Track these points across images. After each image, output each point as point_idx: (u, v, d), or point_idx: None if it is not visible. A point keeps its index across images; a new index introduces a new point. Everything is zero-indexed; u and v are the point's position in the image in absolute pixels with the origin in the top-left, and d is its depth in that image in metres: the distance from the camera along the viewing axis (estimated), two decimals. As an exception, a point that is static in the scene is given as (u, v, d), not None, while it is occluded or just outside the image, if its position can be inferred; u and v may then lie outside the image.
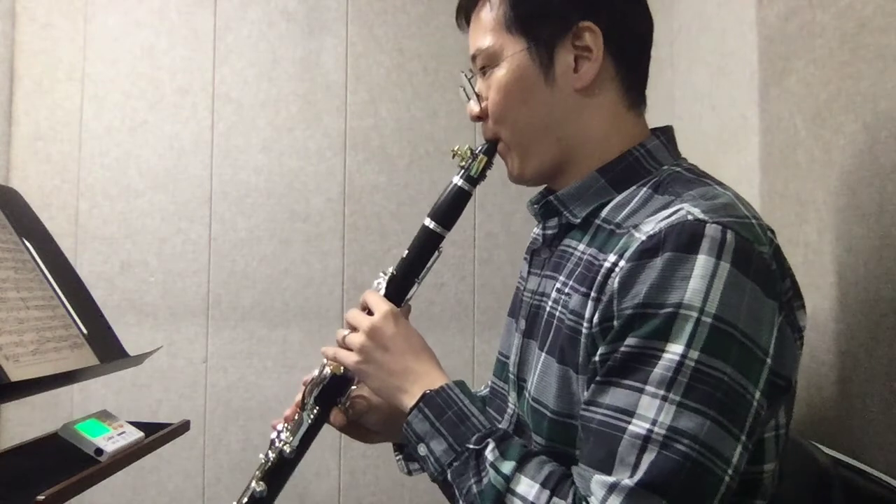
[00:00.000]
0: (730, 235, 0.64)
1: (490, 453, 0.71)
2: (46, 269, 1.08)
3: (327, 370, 0.92)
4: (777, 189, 1.12)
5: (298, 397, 0.95)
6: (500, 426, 0.79)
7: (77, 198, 2.05)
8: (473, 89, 0.86)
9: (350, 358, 0.86)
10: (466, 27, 0.87)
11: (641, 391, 0.63)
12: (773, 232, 0.71)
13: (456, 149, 0.88)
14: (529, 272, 0.90)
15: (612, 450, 0.63)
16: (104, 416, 1.06)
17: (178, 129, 2.07)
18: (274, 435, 0.94)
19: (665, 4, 1.59)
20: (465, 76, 0.87)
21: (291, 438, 0.92)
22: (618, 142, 0.81)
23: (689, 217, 0.66)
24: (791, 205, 1.07)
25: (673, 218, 0.66)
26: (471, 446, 0.73)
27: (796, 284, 0.73)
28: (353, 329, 0.87)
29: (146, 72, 2.07)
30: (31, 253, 1.07)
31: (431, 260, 0.89)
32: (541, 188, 0.90)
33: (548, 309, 0.79)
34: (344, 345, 0.88)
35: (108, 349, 1.09)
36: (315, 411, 0.92)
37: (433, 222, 0.88)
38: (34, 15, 2.06)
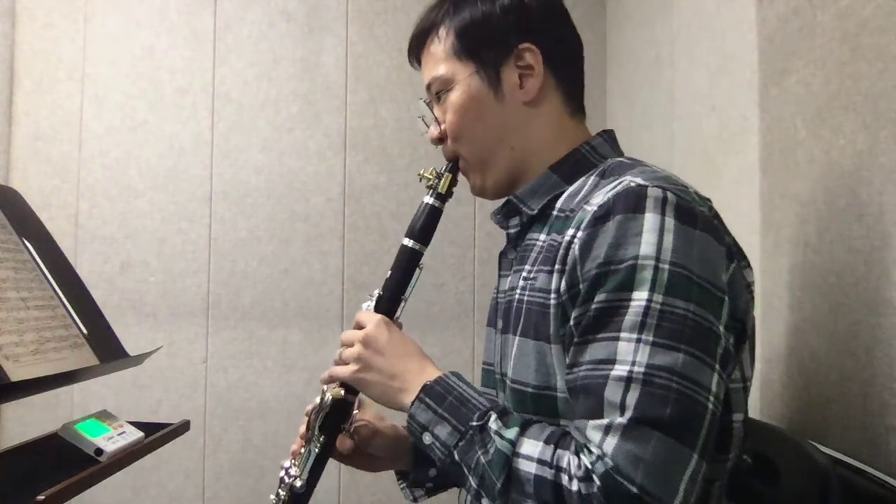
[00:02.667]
0: (670, 195, 0.72)
1: (493, 424, 0.74)
2: (46, 269, 1.08)
3: (328, 397, 0.92)
4: (777, 189, 1.12)
5: (302, 429, 0.96)
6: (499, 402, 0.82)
7: (77, 198, 2.05)
8: (433, 115, 0.93)
9: (348, 370, 0.88)
10: (418, 66, 0.96)
11: (617, 339, 0.68)
12: (710, 201, 0.79)
13: (422, 172, 0.95)
14: (500, 276, 0.96)
15: (599, 397, 0.67)
16: (104, 416, 1.06)
17: (178, 129, 2.07)
18: (282, 473, 0.94)
19: (665, 4, 1.59)
20: (424, 103, 0.95)
21: (300, 472, 0.92)
22: (564, 145, 0.89)
23: (633, 184, 0.73)
24: (791, 205, 1.07)
25: (619, 188, 0.74)
26: (474, 423, 0.75)
27: (738, 245, 0.79)
28: (348, 345, 0.89)
29: (146, 72, 2.07)
30: (31, 253, 1.07)
31: (414, 277, 0.94)
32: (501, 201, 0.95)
33: (517, 297, 0.84)
34: (341, 361, 0.90)
35: (108, 349, 1.09)
36: (321, 440, 0.93)
37: (411, 241, 0.93)
38: (34, 15, 2.06)
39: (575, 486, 0.66)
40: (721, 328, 0.70)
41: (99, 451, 0.95)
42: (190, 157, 2.07)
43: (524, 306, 0.81)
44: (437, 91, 0.91)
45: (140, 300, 2.04)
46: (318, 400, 0.93)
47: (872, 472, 0.82)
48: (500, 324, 0.89)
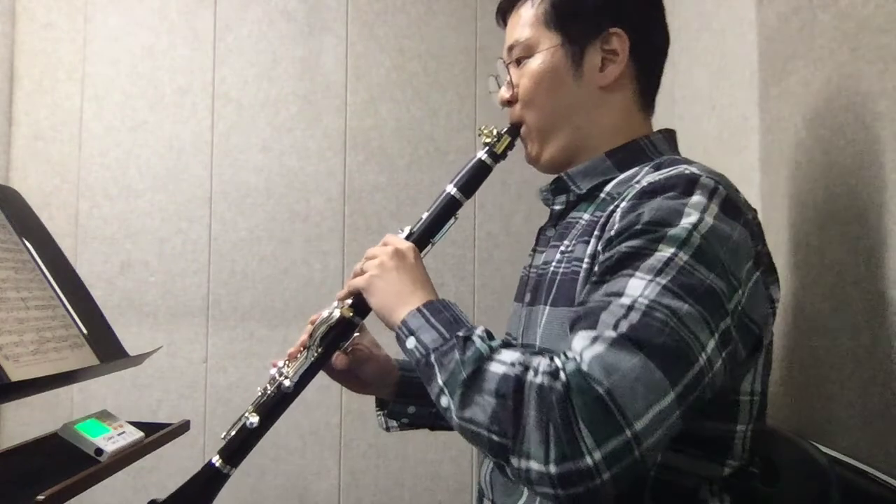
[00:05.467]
0: (721, 188, 0.73)
1: (479, 332, 0.73)
2: (46, 269, 1.08)
3: (336, 313, 0.93)
4: (777, 189, 1.12)
5: (304, 337, 0.96)
6: None
7: (77, 198, 2.05)
8: (508, 77, 0.93)
9: (365, 276, 0.88)
10: (503, 24, 0.96)
11: (631, 276, 0.68)
12: (755, 211, 0.79)
13: (482, 128, 0.94)
14: (535, 251, 0.97)
15: (597, 316, 0.66)
16: (104, 416, 1.06)
17: (178, 129, 2.07)
18: (273, 371, 0.96)
19: (665, 4, 1.59)
20: (502, 62, 0.95)
21: (291, 374, 0.93)
22: (625, 134, 0.89)
23: (687, 171, 0.74)
24: (791, 205, 1.06)
25: (672, 171, 0.74)
26: (460, 334, 0.73)
27: (771, 261, 0.79)
28: (373, 257, 0.89)
29: (146, 72, 2.07)
30: (31, 253, 1.07)
31: (448, 224, 0.94)
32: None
33: (551, 270, 0.84)
34: (360, 272, 0.90)
35: (108, 349, 1.09)
36: (319, 350, 0.94)
37: (455, 188, 0.93)
38: (34, 15, 2.06)
39: (538, 380, 0.63)
40: (730, 307, 0.68)
41: (99, 451, 0.95)
42: (190, 157, 2.06)
43: (558, 277, 0.82)
44: (519, 55, 0.91)
45: (140, 300, 2.04)
46: (325, 313, 0.94)
47: (873, 472, 0.82)
48: (528, 297, 0.90)
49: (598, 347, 0.63)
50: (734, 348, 0.70)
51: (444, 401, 0.71)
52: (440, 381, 0.71)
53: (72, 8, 2.07)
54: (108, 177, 2.05)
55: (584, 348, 0.63)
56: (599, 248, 0.75)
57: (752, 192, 1.18)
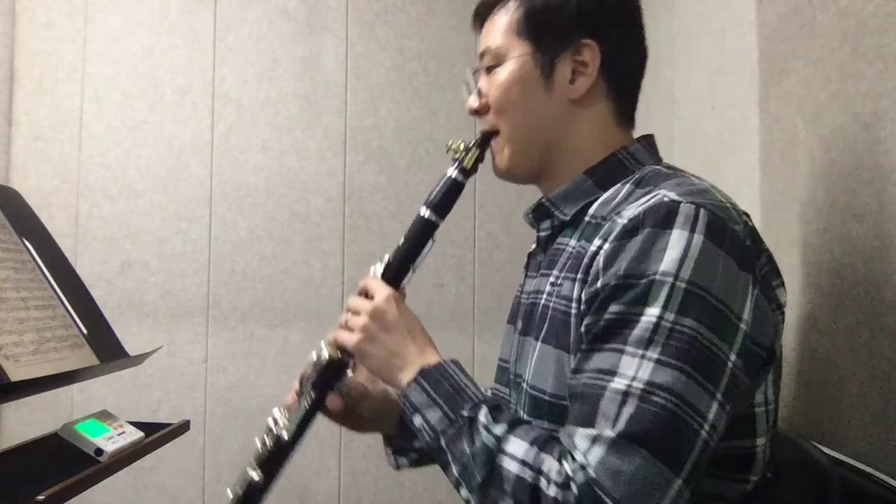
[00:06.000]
0: (703, 212, 0.70)
1: (483, 417, 0.74)
2: (46, 269, 1.08)
3: (325, 354, 0.93)
4: (777, 189, 1.12)
5: (296, 385, 0.96)
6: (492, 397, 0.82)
7: (77, 198, 2.05)
8: (476, 85, 0.91)
9: (352, 338, 0.88)
10: (479, 29, 0.93)
11: (622, 352, 0.67)
12: (748, 215, 0.76)
13: (449, 143, 0.92)
14: (526, 276, 0.96)
15: (595, 406, 0.66)
16: (104, 416, 1.06)
17: (178, 129, 2.07)
18: (271, 422, 0.95)
19: (665, 4, 1.59)
20: (471, 71, 0.93)
21: (288, 424, 0.92)
22: (602, 149, 0.86)
23: (665, 199, 0.71)
24: (791, 205, 1.06)
25: (651, 201, 0.72)
26: (465, 413, 0.75)
27: (773, 262, 0.77)
28: (355, 313, 0.89)
29: (146, 72, 2.07)
30: (31, 253, 1.07)
31: (427, 248, 0.93)
32: (535, 200, 0.93)
33: (542, 302, 0.83)
34: (346, 327, 0.90)
35: (108, 349, 1.09)
36: (312, 396, 0.93)
37: (428, 210, 0.91)
38: (34, 15, 2.06)
39: (552, 492, 0.65)
40: (732, 356, 0.68)
41: (99, 451, 0.95)
42: (190, 157, 2.07)
43: (549, 312, 0.81)
44: (489, 63, 0.89)
45: (140, 300, 2.04)
46: (314, 356, 0.94)
47: (873, 472, 0.82)
48: (520, 324, 0.89)
49: (601, 450, 0.64)
50: (741, 387, 0.70)
51: (464, 493, 0.74)
52: (455, 473, 0.74)
53: (72, 8, 2.07)
54: (108, 177, 2.05)
55: (587, 450, 0.65)
56: (584, 296, 0.74)
57: (752, 192, 1.18)
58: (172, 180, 2.06)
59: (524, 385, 0.82)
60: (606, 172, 0.85)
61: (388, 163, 2.08)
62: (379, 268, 0.93)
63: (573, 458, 0.66)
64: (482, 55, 0.90)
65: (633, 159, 0.85)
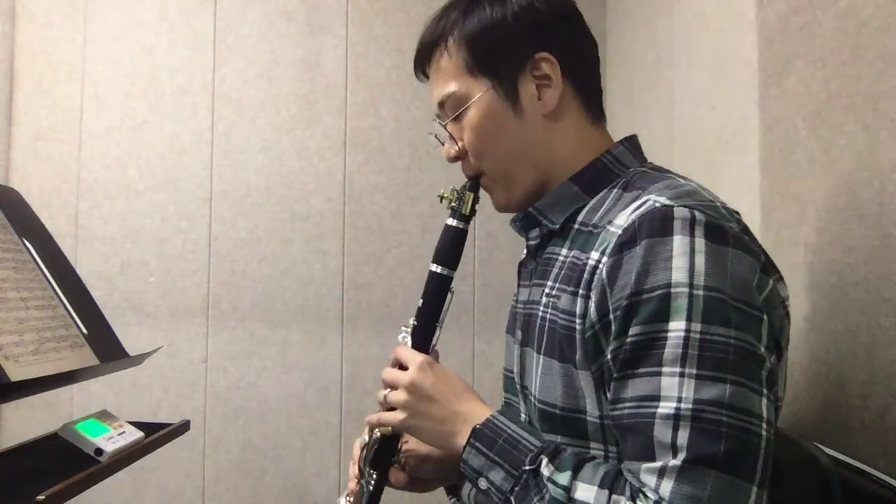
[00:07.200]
0: (698, 214, 0.69)
1: (545, 469, 0.72)
2: (46, 269, 1.08)
3: (377, 433, 0.92)
4: (777, 189, 1.12)
5: (354, 469, 0.96)
6: (548, 440, 0.80)
7: (77, 198, 2.05)
8: (447, 132, 0.89)
9: (397, 417, 0.86)
10: (425, 78, 0.92)
11: (659, 374, 0.66)
12: (738, 213, 0.76)
13: (442, 192, 0.91)
14: (519, 285, 0.96)
15: (649, 437, 0.65)
16: (104, 416, 1.06)
17: (178, 129, 2.07)
18: None
19: (665, 4, 1.59)
20: (437, 121, 0.91)
21: None
22: (587, 154, 0.86)
23: (657, 204, 0.70)
24: (791, 205, 1.06)
25: (642, 208, 0.71)
26: (526, 468, 0.74)
27: (770, 259, 0.77)
28: (392, 388, 0.87)
29: (146, 72, 2.07)
30: (31, 253, 1.07)
31: (447, 302, 0.92)
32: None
33: (539, 314, 0.82)
34: (386, 405, 0.88)
35: (108, 349, 1.09)
36: (374, 476, 0.93)
37: (438, 266, 0.91)
38: (34, 15, 2.06)
39: None
40: (763, 349, 0.68)
41: (99, 451, 0.95)
42: (190, 157, 2.06)
43: (547, 325, 0.80)
44: (453, 110, 0.87)
45: (140, 300, 2.04)
46: (366, 437, 0.93)
47: (874, 472, 0.82)
48: (519, 335, 0.88)
49: (671, 482, 0.63)
50: (774, 377, 0.70)
51: None
52: None
53: (72, 8, 2.07)
54: (108, 177, 2.05)
55: (657, 485, 0.64)
56: (593, 314, 0.72)
57: (752, 192, 1.18)
58: (172, 180, 2.06)
59: (532, 398, 0.82)
60: (592, 178, 0.84)
61: (388, 163, 2.08)
62: (407, 335, 0.92)
63: (646, 496, 0.65)
64: (441, 104, 0.89)
65: (618, 163, 0.85)
